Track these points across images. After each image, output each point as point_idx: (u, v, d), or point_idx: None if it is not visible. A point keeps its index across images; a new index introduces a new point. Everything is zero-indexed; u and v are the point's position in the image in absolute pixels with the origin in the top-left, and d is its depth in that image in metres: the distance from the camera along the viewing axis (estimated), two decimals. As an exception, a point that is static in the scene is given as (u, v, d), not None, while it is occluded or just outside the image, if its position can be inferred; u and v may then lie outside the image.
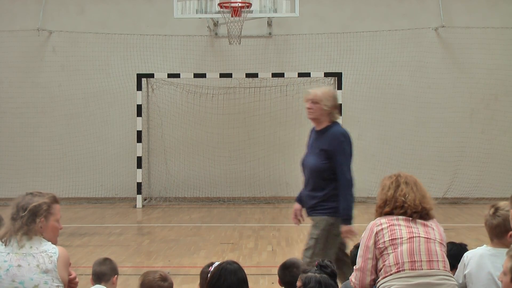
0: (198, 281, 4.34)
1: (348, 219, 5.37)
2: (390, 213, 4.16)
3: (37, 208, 3.87)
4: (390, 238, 4.03)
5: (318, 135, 5.59)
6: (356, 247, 4.88)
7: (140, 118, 14.10)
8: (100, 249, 9.29)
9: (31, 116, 15.09)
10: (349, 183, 5.40)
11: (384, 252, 4.03)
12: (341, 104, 14.02)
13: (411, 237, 4.02)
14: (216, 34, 15.00)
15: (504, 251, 3.93)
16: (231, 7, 12.62)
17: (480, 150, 14.77)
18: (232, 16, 12.72)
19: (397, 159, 14.36)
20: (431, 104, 14.92)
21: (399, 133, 14.91)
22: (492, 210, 4.17)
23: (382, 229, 4.07)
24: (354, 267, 4.20)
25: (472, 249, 4.28)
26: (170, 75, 14.51)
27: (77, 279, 4.12)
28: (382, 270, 4.04)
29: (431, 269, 3.97)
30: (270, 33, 15.09)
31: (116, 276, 4.50)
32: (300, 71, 14.50)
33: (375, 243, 4.06)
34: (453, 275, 4.15)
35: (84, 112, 15.11)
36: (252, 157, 14.96)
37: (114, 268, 4.55)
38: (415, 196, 4.18)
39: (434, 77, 14.94)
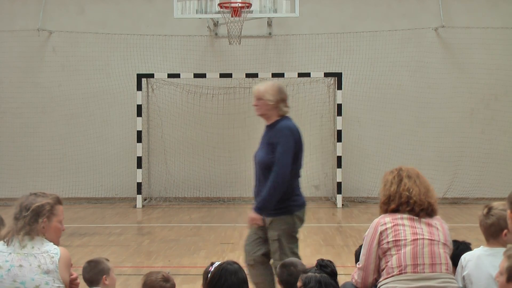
0: (199, 281, 4.34)
1: (260, 209, 5.32)
2: (396, 210, 4.13)
3: (40, 208, 3.87)
4: (394, 239, 4.00)
5: (267, 130, 5.54)
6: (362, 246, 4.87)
7: (140, 118, 14.10)
8: (100, 249, 9.30)
9: (31, 116, 15.09)
10: (279, 178, 5.27)
11: (387, 253, 4.01)
12: (341, 104, 14.05)
13: (414, 239, 3.99)
14: (216, 34, 15.00)
15: (501, 250, 3.94)
16: (231, 7, 12.62)
17: (480, 150, 14.77)
18: (232, 16, 12.72)
19: (397, 159, 14.34)
20: (431, 104, 14.93)
21: (399, 133, 14.91)
22: (485, 210, 4.17)
23: (386, 229, 4.04)
24: (357, 266, 4.18)
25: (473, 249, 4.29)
26: (170, 75, 14.51)
27: (78, 280, 4.12)
28: (384, 271, 4.03)
29: (433, 272, 3.96)
30: (270, 33, 15.09)
31: (104, 276, 4.47)
32: (300, 71, 14.50)
33: (379, 242, 4.04)
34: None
35: (84, 112, 15.11)
36: (252, 157, 14.92)
37: (100, 270, 4.50)
38: (419, 190, 4.13)
39: (434, 77, 14.94)
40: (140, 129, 14.08)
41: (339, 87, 14.06)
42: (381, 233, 4.04)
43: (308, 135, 14.85)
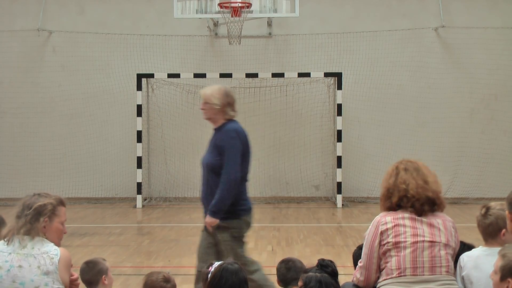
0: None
1: (215, 212, 5.33)
2: (397, 206, 4.10)
3: (42, 208, 3.88)
4: (394, 241, 3.97)
5: (215, 133, 5.57)
6: (360, 247, 4.86)
7: (140, 118, 14.10)
8: (100, 249, 9.29)
9: (31, 116, 15.09)
10: (230, 179, 5.32)
11: (387, 254, 3.99)
12: (341, 104, 14.04)
13: (415, 242, 3.95)
14: (216, 34, 15.00)
15: (499, 250, 3.94)
16: (231, 7, 12.62)
17: (480, 150, 14.77)
18: (232, 16, 12.72)
19: (397, 159, 14.15)
20: (431, 104, 14.93)
21: (399, 133, 14.91)
22: (483, 210, 4.16)
23: (387, 229, 4.01)
24: (359, 264, 4.16)
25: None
26: (170, 75, 14.51)
27: (79, 281, 4.11)
28: (383, 271, 4.02)
29: (433, 274, 3.94)
30: (270, 33, 15.09)
31: (103, 276, 4.47)
32: (300, 71, 14.50)
33: (380, 242, 4.03)
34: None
35: (84, 112, 15.11)
36: (252, 157, 14.92)
37: (99, 270, 4.50)
38: (416, 183, 4.07)
39: (434, 77, 14.94)
40: (140, 129, 14.08)
41: (339, 87, 14.05)
42: (382, 233, 4.02)
43: (308, 135, 14.90)
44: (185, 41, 14.94)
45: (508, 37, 14.90)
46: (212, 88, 5.56)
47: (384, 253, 4.01)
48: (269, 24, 14.96)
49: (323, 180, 14.98)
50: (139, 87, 14.17)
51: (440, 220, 4.08)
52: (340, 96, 14.03)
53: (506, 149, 14.81)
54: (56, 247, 3.85)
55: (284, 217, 12.62)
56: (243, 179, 5.51)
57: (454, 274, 4.06)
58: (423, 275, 3.92)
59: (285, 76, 14.34)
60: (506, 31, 14.88)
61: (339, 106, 14.00)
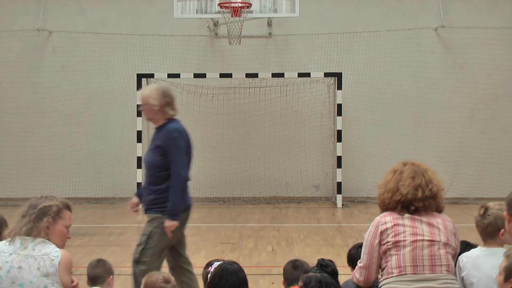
0: (199, 282, 4.34)
1: (173, 215, 5.40)
2: (395, 206, 4.10)
3: (47, 209, 3.88)
4: (394, 240, 3.98)
5: (156, 132, 5.58)
6: (355, 247, 4.87)
7: (140, 118, 14.06)
8: (100, 249, 9.29)
9: (31, 116, 15.09)
10: (181, 179, 5.48)
11: (387, 253, 4.00)
12: (341, 104, 14.04)
13: (414, 240, 3.96)
14: (216, 34, 14.99)
15: (498, 250, 3.95)
16: (231, 7, 12.62)
17: (480, 150, 14.78)
18: (232, 16, 12.72)
19: (397, 159, 14.17)
20: (431, 104, 14.93)
21: (399, 133, 14.91)
22: (482, 211, 4.17)
23: (386, 228, 4.02)
24: (358, 264, 4.17)
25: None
26: (170, 75, 14.50)
27: (78, 287, 4.08)
28: (384, 271, 4.03)
29: (433, 273, 3.94)
30: (270, 33, 15.09)
31: (111, 276, 4.48)
32: (300, 71, 14.50)
33: (380, 241, 4.03)
34: None
35: (84, 112, 15.10)
36: (252, 157, 14.96)
37: (109, 268, 4.54)
38: (414, 185, 4.06)
39: (434, 77, 14.94)
40: (140, 129, 14.07)
41: (339, 87, 14.05)
42: (381, 232, 4.03)
43: (308, 135, 14.91)
44: (185, 41, 14.94)
45: (508, 37, 14.91)
46: (149, 89, 5.59)
47: (384, 252, 4.01)
48: (269, 24, 14.96)
49: (323, 180, 14.98)
50: (139, 87, 14.15)
51: (440, 220, 4.09)
52: (340, 96, 14.02)
53: (506, 149, 14.81)
54: (57, 249, 3.83)
55: (284, 217, 12.62)
56: None
57: (455, 273, 4.07)
58: (424, 273, 3.93)
59: (285, 76, 14.33)
60: (506, 31, 14.88)
61: (339, 106, 14.00)
